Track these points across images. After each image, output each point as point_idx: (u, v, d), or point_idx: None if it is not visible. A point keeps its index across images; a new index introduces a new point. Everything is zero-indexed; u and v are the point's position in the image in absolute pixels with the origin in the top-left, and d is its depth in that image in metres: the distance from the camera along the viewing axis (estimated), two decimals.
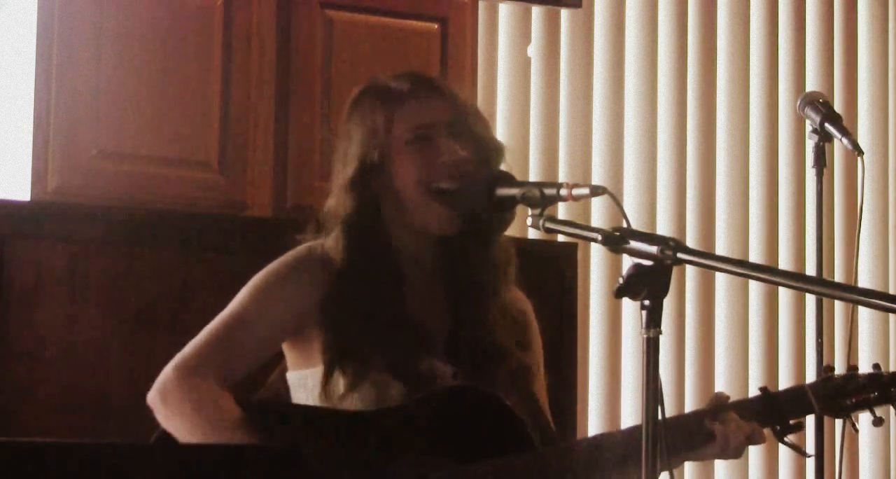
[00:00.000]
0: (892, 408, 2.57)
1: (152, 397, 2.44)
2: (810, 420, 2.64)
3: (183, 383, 2.42)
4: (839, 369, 2.60)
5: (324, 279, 2.51)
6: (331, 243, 2.53)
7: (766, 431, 2.51)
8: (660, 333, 2.02)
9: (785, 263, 5.11)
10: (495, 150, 2.56)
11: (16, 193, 3.74)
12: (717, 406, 2.50)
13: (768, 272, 2.19)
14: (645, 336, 2.01)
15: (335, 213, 2.55)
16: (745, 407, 2.51)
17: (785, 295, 5.11)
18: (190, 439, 2.38)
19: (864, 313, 5.16)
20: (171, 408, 2.41)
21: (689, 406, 4.87)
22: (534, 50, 4.81)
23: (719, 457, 2.49)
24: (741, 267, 2.14)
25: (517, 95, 4.76)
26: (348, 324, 2.48)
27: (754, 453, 4.97)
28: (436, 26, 4.21)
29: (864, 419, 2.60)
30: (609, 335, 4.81)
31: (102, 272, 3.56)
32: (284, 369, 2.60)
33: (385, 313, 2.49)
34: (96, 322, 3.54)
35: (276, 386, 2.62)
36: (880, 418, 2.54)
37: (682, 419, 2.49)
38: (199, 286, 3.60)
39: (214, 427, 2.37)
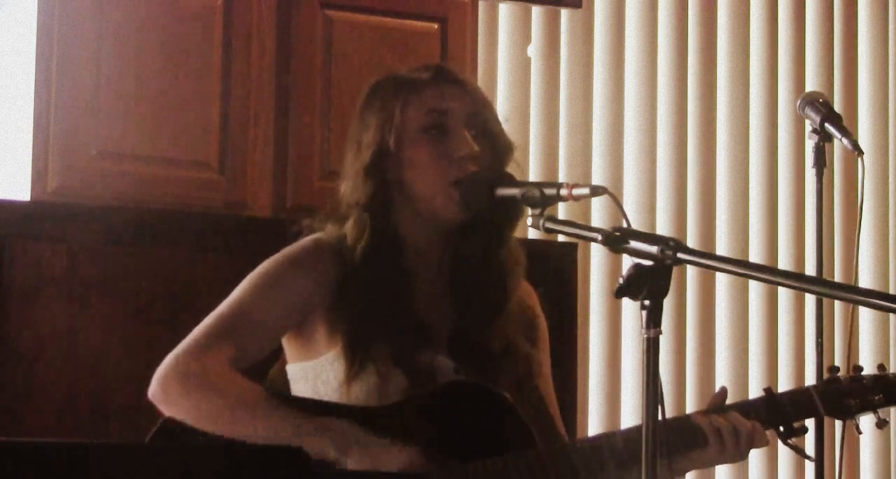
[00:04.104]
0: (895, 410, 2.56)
1: (153, 392, 2.41)
2: (811, 422, 2.62)
3: (185, 367, 2.39)
4: (840, 370, 2.59)
5: (332, 272, 2.49)
6: (349, 231, 2.51)
7: (770, 433, 2.51)
8: (660, 333, 2.02)
9: (785, 263, 5.10)
10: (506, 148, 2.57)
11: (16, 193, 3.74)
12: (719, 406, 2.50)
13: (768, 272, 2.19)
14: (645, 336, 2.01)
15: (351, 199, 2.53)
16: (748, 408, 2.50)
17: (785, 295, 5.11)
18: (207, 419, 2.35)
19: (864, 313, 5.16)
20: (172, 397, 2.37)
21: (690, 406, 4.88)
22: (534, 50, 4.81)
23: (721, 458, 2.47)
24: (741, 267, 2.14)
25: (517, 95, 4.77)
26: (356, 314, 2.47)
27: (754, 454, 4.96)
28: (436, 26, 4.21)
29: (865, 420, 2.59)
30: (609, 335, 4.81)
31: (102, 272, 3.56)
32: (284, 362, 2.59)
33: (392, 305, 2.48)
34: (96, 322, 3.55)
35: (276, 378, 2.61)
36: (884, 420, 2.53)
37: (678, 419, 2.48)
38: (199, 286, 3.60)
39: (231, 401, 2.35)
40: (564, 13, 4.84)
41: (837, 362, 4.94)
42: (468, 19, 4.28)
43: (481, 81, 4.49)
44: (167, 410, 2.39)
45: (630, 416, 4.77)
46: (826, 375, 2.57)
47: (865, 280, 5.25)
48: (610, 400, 4.78)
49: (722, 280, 5.05)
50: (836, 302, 4.92)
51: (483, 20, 4.59)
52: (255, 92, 3.98)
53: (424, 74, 2.57)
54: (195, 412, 2.37)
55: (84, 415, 3.50)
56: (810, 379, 4.93)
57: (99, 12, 3.82)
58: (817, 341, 3.42)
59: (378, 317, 2.47)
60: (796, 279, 2.24)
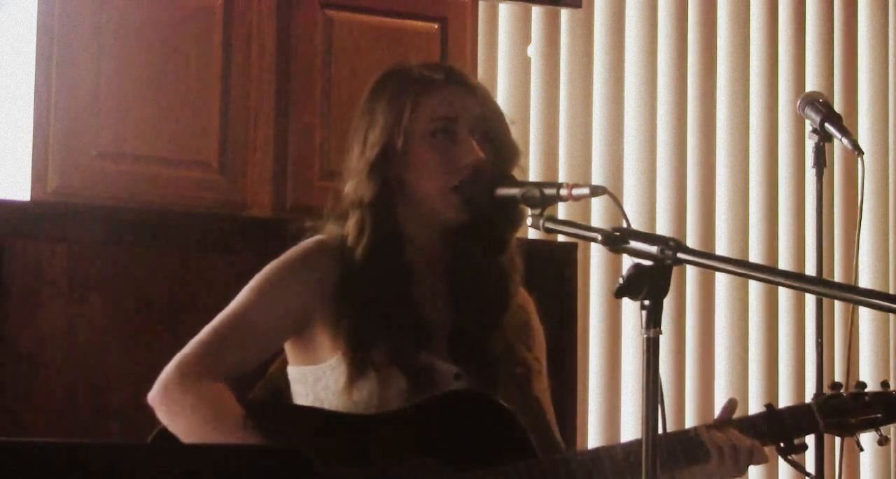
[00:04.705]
0: None
1: (153, 397, 2.43)
2: (811, 439, 2.61)
3: (184, 382, 2.41)
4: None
5: (334, 273, 2.49)
6: (351, 230, 2.50)
7: (769, 449, 2.50)
8: (660, 333, 2.02)
9: (785, 263, 5.10)
10: (511, 153, 2.56)
11: (16, 193, 3.74)
12: (718, 421, 2.50)
13: (768, 272, 2.19)
14: (645, 336, 2.01)
15: (354, 197, 2.52)
16: (749, 423, 2.50)
17: (785, 295, 5.11)
18: (191, 438, 2.37)
19: (864, 313, 5.15)
20: (172, 407, 2.40)
21: (690, 406, 4.88)
22: (534, 50, 4.81)
23: (720, 473, 2.46)
24: (741, 267, 2.14)
25: (517, 95, 4.76)
26: (357, 315, 2.47)
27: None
28: (436, 26, 4.21)
29: (866, 436, 2.57)
30: (609, 335, 4.81)
31: (102, 272, 3.56)
32: (285, 363, 2.59)
33: (392, 307, 2.48)
34: (96, 322, 3.55)
35: (276, 379, 2.61)
36: (886, 437, 2.52)
37: (679, 432, 2.48)
38: (199, 286, 3.60)
39: (216, 427, 2.36)
40: (564, 13, 4.84)
41: (837, 362, 4.96)
42: (468, 19, 4.28)
43: (481, 81, 4.49)
44: (161, 419, 2.41)
45: (630, 416, 4.77)
46: (827, 390, 2.54)
47: (865, 280, 5.25)
48: (610, 400, 4.77)
49: (722, 280, 5.04)
50: (836, 302, 4.92)
51: (483, 20, 4.58)
52: (255, 92, 3.98)
53: (436, 74, 2.56)
54: (174, 425, 2.39)
55: (84, 415, 3.50)
56: (810, 379, 4.93)
57: (99, 12, 3.81)
58: (817, 342, 3.42)
59: (379, 316, 2.47)
60: (796, 279, 2.24)
